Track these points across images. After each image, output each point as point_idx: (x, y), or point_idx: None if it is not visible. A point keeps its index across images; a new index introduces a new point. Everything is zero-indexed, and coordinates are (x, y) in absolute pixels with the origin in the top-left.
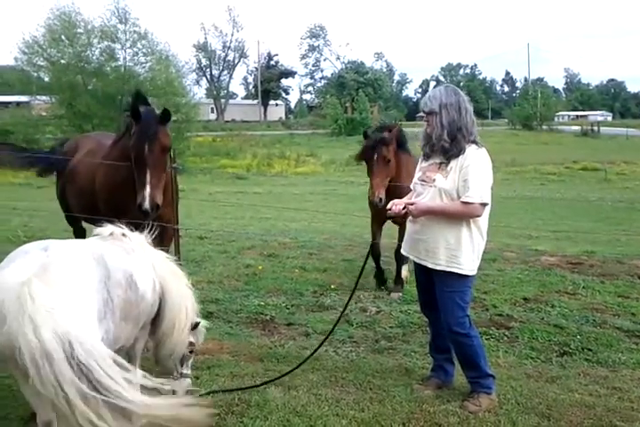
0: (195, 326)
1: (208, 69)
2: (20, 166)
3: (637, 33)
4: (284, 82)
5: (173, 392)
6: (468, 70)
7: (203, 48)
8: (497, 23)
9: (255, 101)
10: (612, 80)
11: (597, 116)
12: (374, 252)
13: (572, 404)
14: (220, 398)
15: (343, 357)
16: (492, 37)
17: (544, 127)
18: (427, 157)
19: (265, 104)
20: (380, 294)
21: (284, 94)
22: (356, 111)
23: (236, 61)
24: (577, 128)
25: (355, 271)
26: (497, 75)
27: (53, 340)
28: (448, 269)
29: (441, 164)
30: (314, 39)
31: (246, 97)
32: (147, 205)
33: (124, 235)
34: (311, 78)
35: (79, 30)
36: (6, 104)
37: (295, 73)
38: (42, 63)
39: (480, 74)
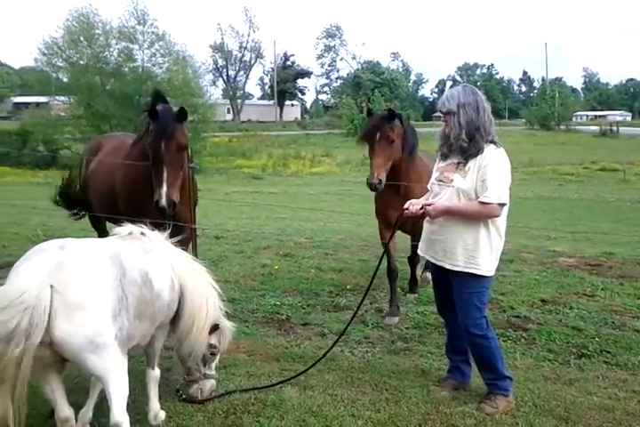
0: (214, 328)
1: (224, 70)
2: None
3: None
4: (300, 82)
5: (201, 392)
6: (484, 70)
7: (219, 49)
8: (514, 22)
9: (271, 102)
10: (632, 80)
11: (616, 115)
12: (391, 273)
13: (590, 407)
14: (237, 397)
15: (359, 357)
16: (510, 37)
17: (562, 127)
18: (444, 157)
19: (281, 104)
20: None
21: (299, 94)
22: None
23: (253, 62)
24: (595, 128)
25: (370, 272)
26: (514, 74)
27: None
28: (466, 270)
29: (459, 164)
30: (330, 39)
31: (262, 97)
32: (163, 202)
33: (143, 234)
34: (327, 78)
35: (97, 31)
36: (26, 105)
37: (311, 73)
38: (61, 64)
39: (497, 73)
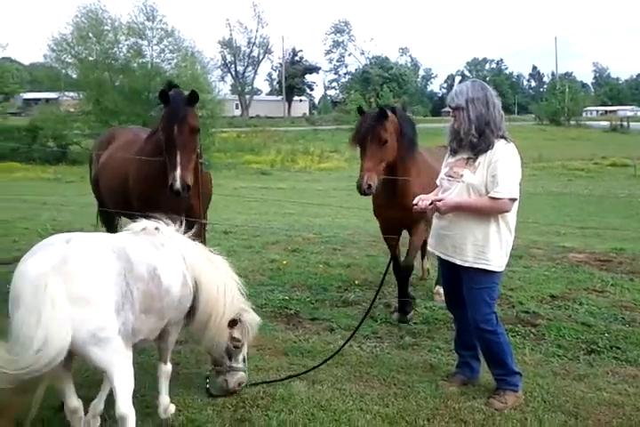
0: (234, 322)
1: (233, 65)
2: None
3: None
4: (309, 78)
5: (226, 384)
6: (494, 65)
7: (228, 44)
8: (524, 17)
9: (279, 97)
10: None
11: (627, 111)
12: (397, 269)
13: (599, 402)
14: (246, 391)
15: (367, 352)
16: (519, 32)
17: (572, 122)
18: (454, 152)
19: (289, 100)
20: None
21: (308, 90)
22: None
23: (261, 57)
24: (606, 123)
25: (379, 267)
26: (524, 70)
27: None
28: (476, 266)
29: (468, 159)
30: (338, 35)
31: (270, 93)
32: (178, 185)
33: (157, 229)
34: (335, 74)
35: (106, 27)
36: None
37: (319, 69)
38: (70, 60)
39: (506, 69)
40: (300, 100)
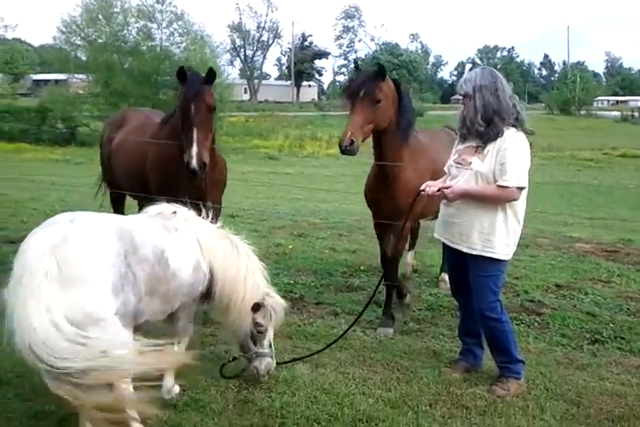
0: (257, 307)
1: (242, 50)
2: None
3: None
4: (318, 63)
5: (257, 371)
6: (505, 53)
7: (237, 28)
8: (537, 5)
9: (288, 82)
10: None
11: (638, 101)
12: (384, 260)
13: (602, 392)
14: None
15: (371, 337)
16: (532, 20)
17: (582, 112)
18: (463, 139)
19: (298, 85)
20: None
21: (317, 75)
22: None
23: (270, 42)
24: (617, 113)
25: None
26: (535, 58)
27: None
28: (482, 254)
29: (477, 147)
30: (348, 20)
31: (279, 78)
32: (194, 163)
33: (174, 213)
34: (345, 59)
35: (116, 10)
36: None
37: (329, 54)
38: (79, 42)
39: (518, 57)
40: (309, 86)
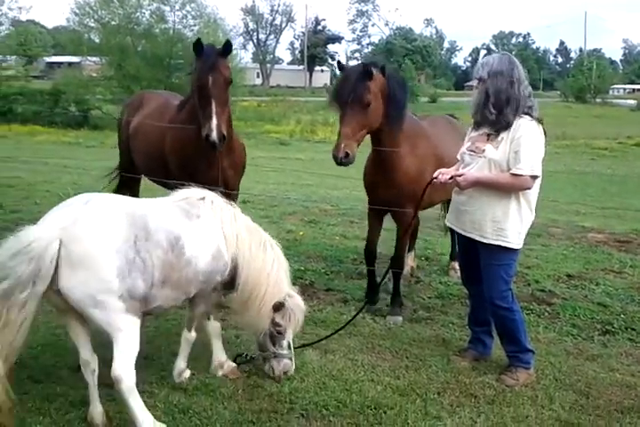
0: (278, 307)
1: (255, 33)
2: None
3: None
4: (331, 47)
5: (273, 371)
6: (520, 39)
7: (250, 11)
8: None
9: (301, 67)
10: None
11: None
12: (368, 255)
13: (611, 383)
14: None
15: (380, 324)
16: (548, 5)
17: (598, 100)
18: (477, 125)
19: (310, 70)
20: (420, 264)
21: (330, 60)
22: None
23: (283, 26)
24: (632, 102)
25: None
26: (551, 45)
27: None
28: (495, 243)
29: (490, 135)
30: (362, 4)
31: (292, 62)
32: (214, 135)
33: (202, 199)
34: (358, 44)
35: None
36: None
37: (342, 38)
38: (93, 24)
39: (533, 43)
40: (322, 71)
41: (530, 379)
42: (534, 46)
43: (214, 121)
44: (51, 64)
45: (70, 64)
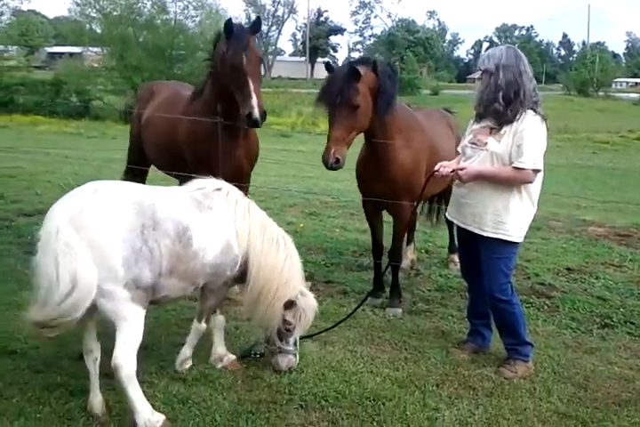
0: (290, 304)
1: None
2: None
3: None
4: (333, 39)
5: (277, 365)
6: (523, 32)
7: (252, 2)
8: None
9: (303, 58)
10: None
11: None
12: (375, 249)
13: (610, 376)
14: (258, 349)
15: (380, 316)
16: None
17: (600, 93)
18: (479, 118)
19: (312, 61)
20: (420, 256)
21: (332, 52)
22: (405, 71)
23: (285, 17)
24: (635, 95)
25: None
26: (554, 37)
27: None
28: (495, 236)
29: (492, 129)
30: None
31: (294, 54)
32: (256, 113)
33: (218, 190)
34: (360, 36)
35: None
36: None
37: (344, 30)
38: (94, 15)
39: (537, 36)
40: (324, 62)
41: (528, 372)
42: (537, 39)
43: (254, 99)
44: (52, 54)
45: (72, 54)
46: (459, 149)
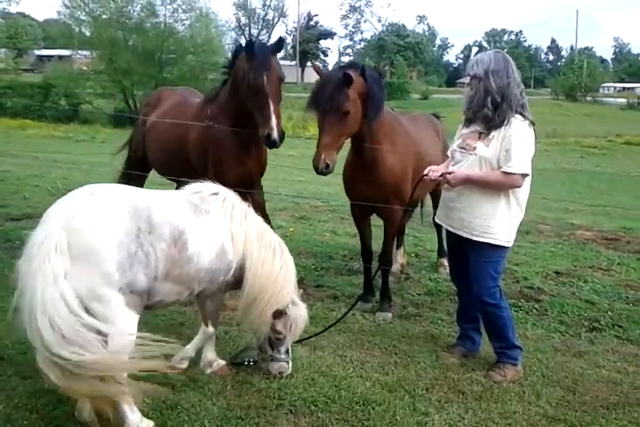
0: (279, 314)
1: (247, 28)
2: None
3: None
4: (323, 43)
5: (269, 372)
6: (512, 37)
7: (242, 6)
8: None
9: (293, 62)
10: None
11: None
12: (364, 253)
13: (598, 379)
14: (248, 354)
15: (370, 320)
16: (541, 3)
17: (588, 98)
18: (468, 122)
19: (302, 66)
20: (409, 260)
21: (322, 56)
22: (395, 75)
23: (276, 21)
24: (622, 100)
25: None
26: (542, 42)
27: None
28: (483, 240)
29: (481, 133)
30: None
31: (284, 58)
32: (275, 135)
33: (215, 194)
34: (350, 40)
35: None
36: (49, 57)
37: (334, 34)
38: (84, 17)
39: (525, 41)
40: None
41: (517, 375)
42: (526, 44)
43: (274, 120)
44: (41, 57)
45: (61, 57)
46: (448, 153)
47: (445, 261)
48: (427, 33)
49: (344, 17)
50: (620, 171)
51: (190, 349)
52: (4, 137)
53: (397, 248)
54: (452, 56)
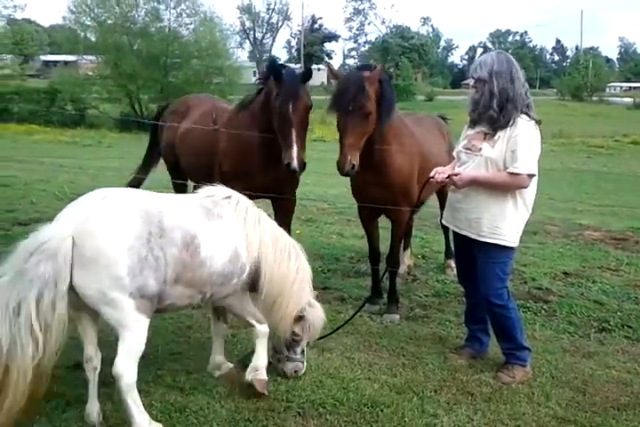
0: (299, 319)
1: (251, 32)
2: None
3: None
4: (328, 46)
5: (284, 373)
6: (517, 37)
7: (247, 10)
8: None
9: (297, 65)
10: None
11: None
12: (372, 255)
13: (608, 380)
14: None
15: (377, 322)
16: (545, 3)
17: (594, 98)
18: (473, 123)
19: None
20: (417, 262)
21: (326, 58)
22: (400, 77)
23: (280, 24)
24: (629, 100)
25: None
26: (547, 43)
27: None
28: (491, 241)
29: (486, 134)
30: (359, 2)
31: (289, 61)
32: (295, 164)
33: (228, 198)
34: (355, 42)
35: None
36: (55, 63)
37: (339, 37)
38: (89, 23)
39: (530, 41)
40: (319, 69)
41: (526, 376)
42: (531, 44)
43: (294, 150)
44: (47, 63)
45: (66, 63)
46: (454, 154)
47: (453, 263)
48: (431, 34)
49: (348, 19)
50: (627, 171)
51: (258, 357)
52: (11, 142)
53: (404, 250)
54: (456, 57)
